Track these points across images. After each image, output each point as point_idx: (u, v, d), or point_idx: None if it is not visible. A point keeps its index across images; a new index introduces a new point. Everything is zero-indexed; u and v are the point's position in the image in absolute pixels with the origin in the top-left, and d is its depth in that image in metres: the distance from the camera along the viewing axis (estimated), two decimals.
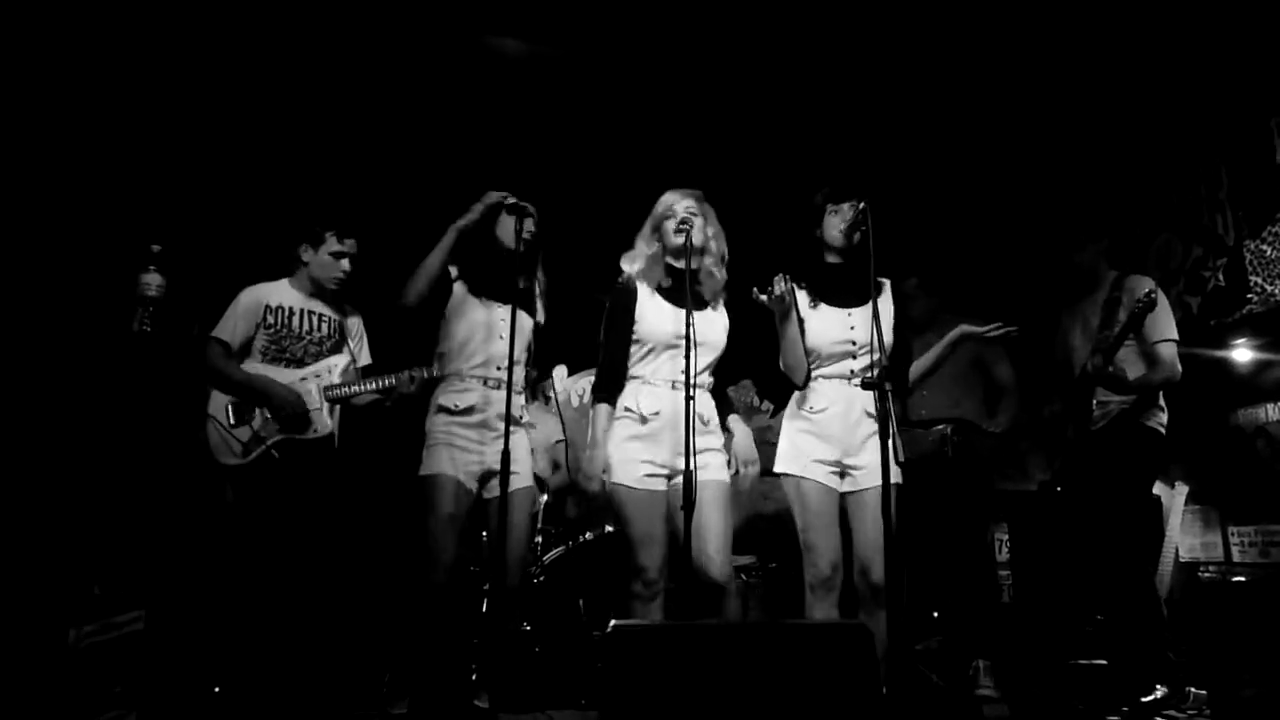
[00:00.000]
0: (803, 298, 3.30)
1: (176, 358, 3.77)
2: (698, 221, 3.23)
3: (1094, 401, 3.74)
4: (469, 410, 3.36)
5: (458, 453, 3.32)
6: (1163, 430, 3.72)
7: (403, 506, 3.56)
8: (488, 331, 3.42)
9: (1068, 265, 4.00)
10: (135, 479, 3.90)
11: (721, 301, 3.35)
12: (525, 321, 3.48)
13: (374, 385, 3.59)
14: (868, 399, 3.14)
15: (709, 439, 3.19)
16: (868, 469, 3.12)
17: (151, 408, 4.01)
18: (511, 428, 3.18)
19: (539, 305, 3.61)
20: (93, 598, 3.32)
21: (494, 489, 3.25)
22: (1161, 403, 3.76)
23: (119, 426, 3.91)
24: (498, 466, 3.17)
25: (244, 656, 3.41)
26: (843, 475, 3.20)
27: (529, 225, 3.38)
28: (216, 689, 3.44)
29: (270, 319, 3.66)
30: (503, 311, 3.39)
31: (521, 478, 3.37)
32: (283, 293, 3.73)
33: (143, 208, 4.37)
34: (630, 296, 3.25)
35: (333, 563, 3.82)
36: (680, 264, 3.17)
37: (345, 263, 3.72)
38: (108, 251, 4.04)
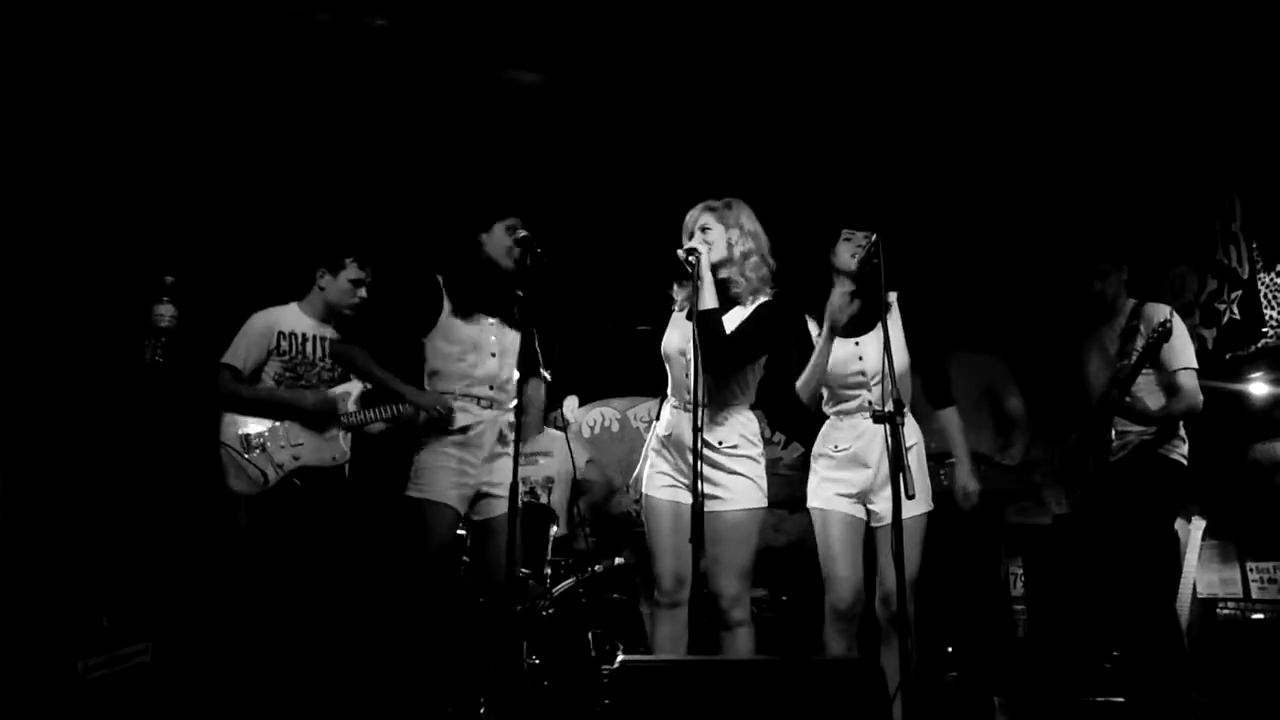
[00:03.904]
0: (813, 328, 3.32)
1: (190, 388, 3.77)
2: (709, 234, 3.08)
3: (1113, 432, 3.69)
4: (462, 431, 3.25)
5: (449, 475, 3.21)
6: (1184, 462, 3.64)
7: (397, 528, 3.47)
8: (478, 348, 3.30)
9: (1087, 293, 3.92)
10: (144, 510, 3.90)
11: (760, 298, 3.09)
12: (514, 337, 3.32)
13: (387, 414, 3.53)
14: None
15: (733, 462, 3.03)
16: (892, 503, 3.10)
17: (163, 438, 4.02)
18: (506, 450, 3.12)
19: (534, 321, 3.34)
20: (100, 629, 3.31)
21: (482, 511, 3.22)
22: (1183, 433, 3.68)
23: (129, 457, 3.91)
24: (489, 489, 3.14)
25: (253, 687, 3.38)
26: (869, 508, 3.23)
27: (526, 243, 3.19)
28: None
29: (284, 345, 3.64)
30: (494, 330, 3.30)
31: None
32: (294, 318, 3.71)
33: (156, 239, 4.40)
34: (668, 319, 3.23)
35: (348, 591, 3.78)
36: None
37: (362, 290, 3.73)
38: (120, 283, 4.06)
